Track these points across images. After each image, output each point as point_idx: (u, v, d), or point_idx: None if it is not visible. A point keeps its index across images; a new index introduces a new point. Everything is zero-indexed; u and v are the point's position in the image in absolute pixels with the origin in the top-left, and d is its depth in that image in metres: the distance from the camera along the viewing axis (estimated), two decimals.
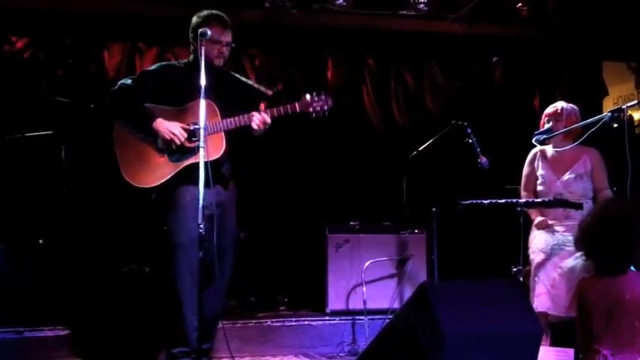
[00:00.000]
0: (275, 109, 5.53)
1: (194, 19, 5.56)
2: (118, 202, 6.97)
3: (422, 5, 8.16)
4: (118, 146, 5.49)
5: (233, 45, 5.61)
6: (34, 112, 7.36)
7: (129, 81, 5.57)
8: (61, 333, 6.34)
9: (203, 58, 5.07)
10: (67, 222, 7.13)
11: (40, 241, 6.92)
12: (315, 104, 5.55)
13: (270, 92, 5.78)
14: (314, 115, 5.58)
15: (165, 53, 7.97)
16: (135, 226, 7.06)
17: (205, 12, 5.56)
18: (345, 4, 8.01)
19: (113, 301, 6.53)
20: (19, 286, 6.62)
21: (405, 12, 8.34)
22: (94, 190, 7.40)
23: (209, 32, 5.18)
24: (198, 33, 5.17)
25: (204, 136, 5.09)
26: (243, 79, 5.90)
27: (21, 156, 7.17)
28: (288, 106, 5.55)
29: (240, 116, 5.42)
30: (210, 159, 5.13)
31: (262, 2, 7.90)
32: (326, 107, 5.59)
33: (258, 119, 5.44)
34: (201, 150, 4.89)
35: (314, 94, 5.58)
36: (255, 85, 5.86)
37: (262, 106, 5.58)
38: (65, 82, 7.75)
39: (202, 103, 4.96)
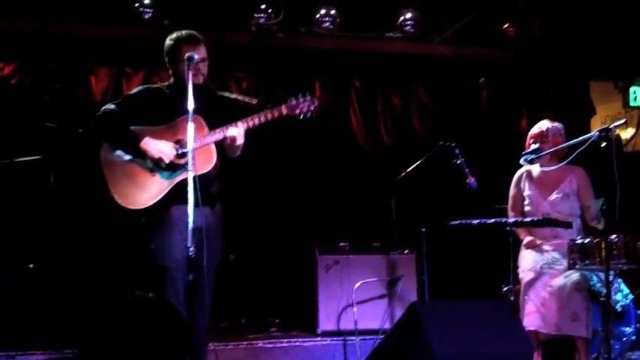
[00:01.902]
0: (262, 115, 5.38)
1: (166, 43, 5.46)
2: (107, 226, 6.96)
3: (408, 27, 8.19)
4: (106, 170, 5.41)
5: (206, 60, 5.43)
6: (22, 138, 7.35)
7: (112, 106, 5.47)
8: (54, 356, 6.32)
9: (190, 82, 5.04)
10: (57, 246, 7.11)
11: (31, 266, 6.89)
12: (301, 105, 5.46)
13: (254, 101, 5.70)
14: (302, 116, 5.47)
15: (151, 77, 7.97)
16: (124, 249, 7.03)
17: (175, 34, 5.46)
18: (331, 27, 8.03)
19: (107, 325, 6.49)
20: (10, 311, 6.60)
21: (391, 34, 8.38)
22: (83, 214, 7.39)
23: (196, 57, 5.16)
24: (185, 58, 5.13)
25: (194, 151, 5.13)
26: (227, 94, 5.81)
27: (10, 181, 7.15)
28: (275, 111, 5.41)
29: (224, 127, 5.34)
30: (201, 172, 5.12)
31: (248, 25, 7.92)
32: (312, 107, 5.48)
33: (231, 133, 5.30)
34: (190, 173, 4.87)
35: (299, 96, 5.48)
36: (240, 97, 5.78)
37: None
38: (52, 107, 7.73)
39: (190, 127, 4.94)
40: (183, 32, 5.47)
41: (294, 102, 5.46)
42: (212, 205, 5.38)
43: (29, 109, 7.67)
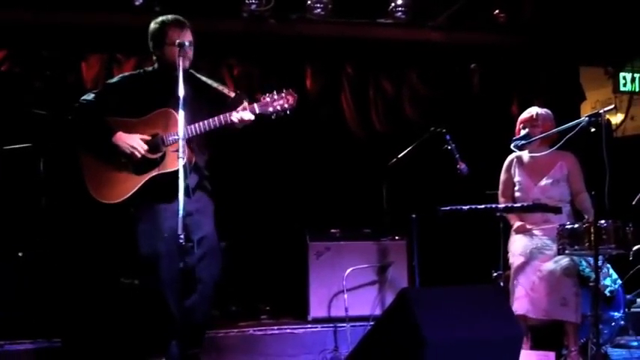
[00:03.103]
0: (228, 115, 5.34)
1: (151, 27, 5.46)
2: (97, 214, 6.93)
3: (400, 13, 8.17)
4: (83, 162, 5.42)
5: (192, 44, 5.40)
6: (11, 125, 7.31)
7: (91, 96, 5.49)
8: (43, 345, 6.31)
9: (181, 68, 5.03)
10: (47, 234, 7.09)
11: (20, 254, 6.88)
12: (275, 104, 5.37)
13: (232, 94, 5.54)
14: (274, 115, 5.40)
15: (143, 64, 7.89)
16: (114, 238, 7.02)
17: (160, 18, 5.46)
18: (323, 13, 8.00)
19: (104, 313, 6.51)
20: None
21: (383, 20, 8.36)
22: (74, 202, 7.36)
23: (186, 42, 5.16)
24: (177, 44, 5.13)
25: (167, 147, 5.23)
26: (204, 79, 5.61)
27: None
28: (246, 111, 5.37)
29: (194, 124, 5.29)
30: (171, 169, 5.12)
31: (240, 12, 7.89)
32: (287, 105, 5.38)
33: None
34: (180, 160, 4.88)
35: (274, 92, 5.40)
36: (220, 88, 5.58)
37: (245, 104, 5.39)
38: (43, 95, 7.70)
39: (181, 114, 4.94)
40: (169, 16, 5.44)
41: (267, 99, 5.38)
42: (189, 194, 5.27)
43: (19, 96, 7.64)
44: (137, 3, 7.55)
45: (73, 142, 5.52)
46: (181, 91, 4.94)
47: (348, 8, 8.20)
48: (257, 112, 5.37)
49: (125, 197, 5.33)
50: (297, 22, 8.23)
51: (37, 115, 7.20)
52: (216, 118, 5.34)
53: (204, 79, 5.60)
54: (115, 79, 5.70)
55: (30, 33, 7.71)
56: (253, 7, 7.84)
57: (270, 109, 5.37)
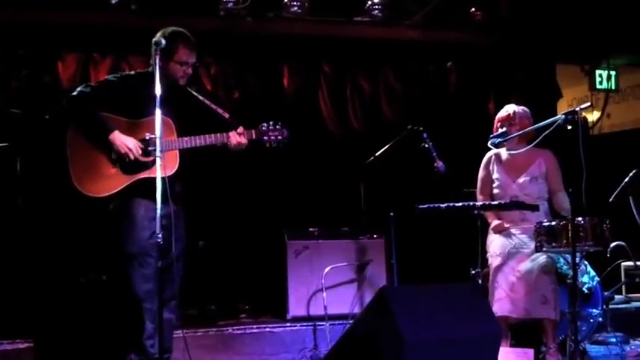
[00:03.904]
0: (225, 135, 5.51)
1: (162, 38, 5.37)
2: (74, 213, 6.91)
3: (376, 11, 8.17)
4: (70, 150, 5.37)
5: (194, 65, 5.60)
6: None
7: (88, 88, 5.46)
8: (21, 346, 6.29)
9: (158, 67, 5.04)
10: (24, 233, 7.06)
11: None
12: (270, 134, 5.63)
13: (227, 115, 5.64)
14: (268, 145, 5.67)
15: (119, 63, 7.90)
16: (92, 236, 7.00)
17: (171, 29, 5.47)
18: (299, 11, 7.98)
19: (73, 311, 6.48)
20: None
21: (359, 18, 8.36)
22: (51, 201, 7.33)
23: (163, 42, 5.15)
24: (153, 42, 5.17)
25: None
26: (202, 97, 5.72)
27: None
28: (244, 134, 5.57)
29: (193, 137, 5.42)
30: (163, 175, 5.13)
31: (217, 10, 7.87)
32: (281, 137, 5.66)
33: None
34: (158, 160, 4.88)
35: (270, 123, 5.65)
36: (213, 106, 5.69)
37: (241, 129, 5.56)
38: (19, 94, 7.66)
39: (158, 112, 4.94)
40: (181, 31, 5.51)
41: (264, 129, 5.64)
42: (175, 200, 5.35)
43: None
44: (113, 1, 7.49)
45: (66, 124, 5.48)
46: (158, 90, 4.94)
47: (324, 6, 8.18)
48: (253, 138, 5.62)
49: (109, 194, 5.35)
50: (273, 20, 8.20)
51: (14, 115, 7.16)
52: (212, 135, 5.48)
53: (200, 97, 5.70)
54: (113, 77, 5.69)
55: (6, 32, 7.64)
56: (230, 5, 7.81)
57: (266, 137, 5.65)
